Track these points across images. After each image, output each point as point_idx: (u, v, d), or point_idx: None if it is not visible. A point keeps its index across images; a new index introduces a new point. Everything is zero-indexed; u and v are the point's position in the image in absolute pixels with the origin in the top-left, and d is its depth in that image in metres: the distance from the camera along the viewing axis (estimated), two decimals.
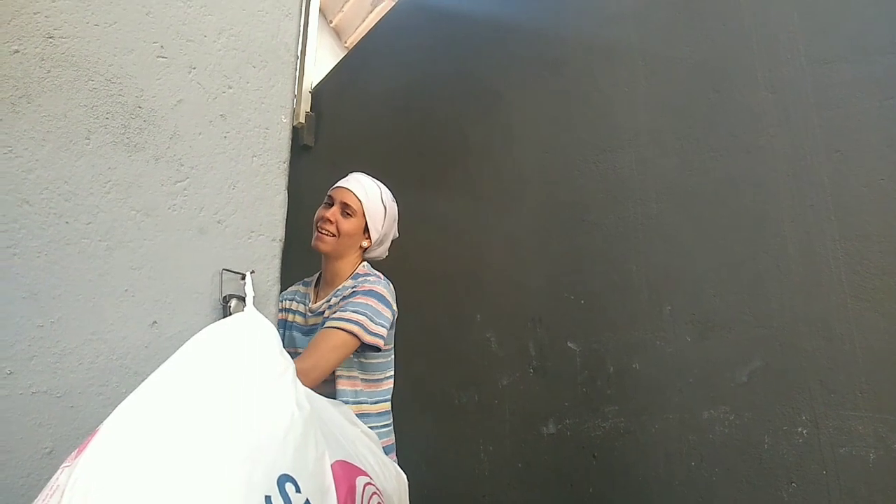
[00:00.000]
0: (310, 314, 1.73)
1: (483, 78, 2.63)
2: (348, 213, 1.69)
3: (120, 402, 0.86)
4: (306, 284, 1.85)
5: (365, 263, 1.79)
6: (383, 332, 1.57)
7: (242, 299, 1.12)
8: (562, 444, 2.14)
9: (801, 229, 1.91)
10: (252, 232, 1.21)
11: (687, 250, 2.08)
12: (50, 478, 0.87)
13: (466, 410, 2.35)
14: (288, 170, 1.29)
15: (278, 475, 0.78)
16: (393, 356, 1.74)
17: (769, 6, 2.08)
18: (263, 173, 1.25)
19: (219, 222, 1.18)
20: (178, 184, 1.16)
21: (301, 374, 1.40)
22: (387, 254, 1.87)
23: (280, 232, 1.25)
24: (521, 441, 2.17)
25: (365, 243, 1.75)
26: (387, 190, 1.80)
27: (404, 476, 1.01)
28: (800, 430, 1.84)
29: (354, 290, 1.63)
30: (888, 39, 1.89)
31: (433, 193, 2.58)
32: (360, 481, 0.90)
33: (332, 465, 0.87)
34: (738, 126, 2.07)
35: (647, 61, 2.26)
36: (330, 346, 1.48)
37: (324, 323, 1.58)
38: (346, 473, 0.88)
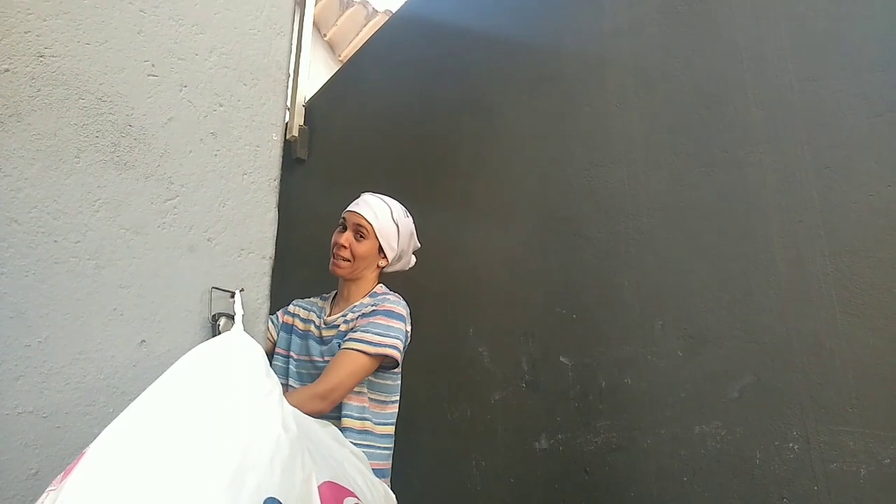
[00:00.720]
0: (324, 326, 1.75)
1: (476, 92, 2.64)
2: (361, 236, 1.72)
3: (107, 422, 0.85)
4: (324, 299, 1.88)
5: (381, 285, 1.82)
6: (400, 345, 1.62)
7: (231, 317, 1.12)
8: (554, 459, 2.13)
9: (790, 245, 1.92)
10: (242, 250, 1.21)
11: (678, 265, 2.09)
12: (35, 501, 0.86)
13: (459, 425, 2.34)
14: (278, 187, 1.29)
15: (264, 498, 0.77)
16: (400, 381, 1.74)
17: (760, 23, 2.10)
18: (254, 191, 1.25)
19: (209, 240, 1.18)
20: (168, 202, 1.16)
21: (320, 397, 1.44)
22: (412, 264, 1.92)
23: (270, 250, 1.25)
24: (513, 456, 2.16)
25: (382, 262, 1.78)
26: (398, 206, 1.82)
27: (393, 496, 1.01)
28: (791, 445, 1.84)
29: (375, 309, 1.65)
30: (878, 56, 1.91)
31: (425, 207, 2.58)
32: (349, 502, 0.90)
33: (319, 487, 0.86)
34: (729, 142, 2.08)
35: (639, 77, 2.27)
36: (350, 371, 1.52)
37: (340, 336, 1.63)
38: (333, 494, 0.88)
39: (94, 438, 0.84)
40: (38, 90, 1.08)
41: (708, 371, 1.97)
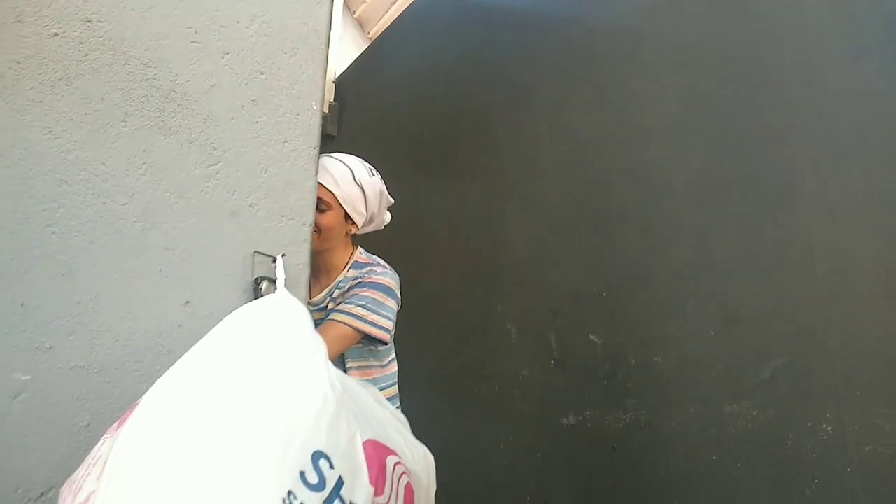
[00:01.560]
0: (313, 309, 1.68)
1: (509, 69, 2.62)
2: (322, 209, 1.61)
3: (154, 379, 0.87)
4: None
5: (360, 250, 1.77)
6: (389, 325, 1.58)
7: (273, 282, 1.14)
8: (581, 435, 2.14)
9: (829, 226, 1.89)
10: (283, 216, 1.23)
11: (713, 244, 2.07)
12: (90, 449, 0.89)
13: (486, 402, 2.35)
14: (317, 156, 1.30)
15: (312, 452, 0.79)
16: (393, 348, 1.75)
17: None
18: (294, 158, 1.26)
19: (250, 206, 1.19)
20: (211, 167, 1.18)
21: None
22: (387, 222, 1.84)
23: (310, 217, 1.26)
24: (540, 432, 2.17)
25: (352, 229, 1.71)
26: (360, 165, 1.71)
27: (432, 457, 1.02)
28: (824, 426, 1.82)
29: (360, 281, 1.62)
30: None
31: (456, 185, 2.58)
32: (391, 461, 0.91)
33: (363, 445, 0.88)
34: (766, 120, 2.04)
35: (674, 54, 2.24)
36: (333, 338, 1.48)
37: (328, 316, 1.57)
38: (376, 453, 0.90)
39: (143, 394, 0.86)
40: (86, 55, 1.10)
41: (740, 350, 1.95)
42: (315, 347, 0.92)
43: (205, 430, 0.76)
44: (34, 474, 0.96)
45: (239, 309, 0.96)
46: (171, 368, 0.85)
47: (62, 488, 0.82)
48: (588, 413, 2.15)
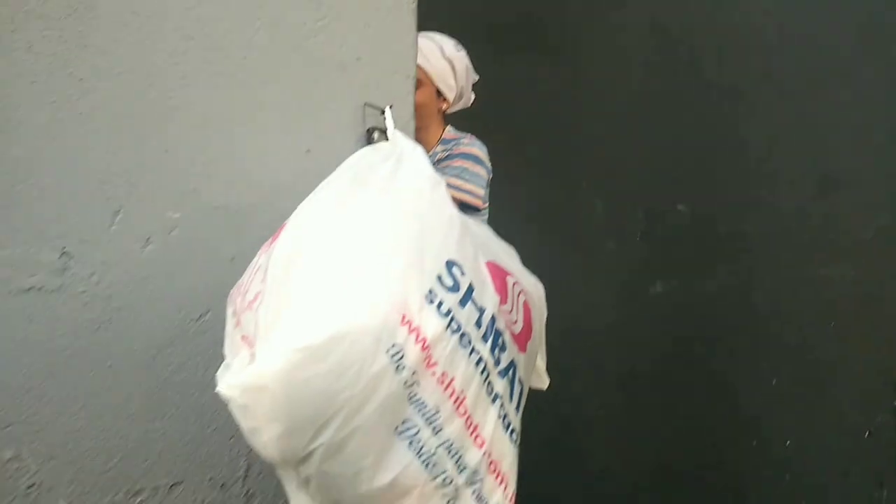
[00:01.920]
0: None
1: None
2: (417, 85, 1.67)
3: (286, 218, 0.95)
4: None
5: (449, 127, 1.80)
6: (481, 192, 1.62)
7: (384, 132, 1.19)
8: (669, 303, 2.17)
9: None
10: (388, 70, 1.26)
11: (811, 107, 1.98)
12: (236, 280, 0.99)
13: (571, 275, 2.40)
14: (416, 10, 1.31)
15: (445, 260, 0.86)
16: (487, 215, 1.79)
17: None
18: (395, 12, 1.28)
19: (357, 59, 1.23)
20: (319, 22, 1.21)
21: None
22: (473, 99, 1.85)
23: (413, 70, 1.29)
24: (626, 300, 2.22)
25: (443, 105, 1.75)
26: (448, 41, 1.74)
27: (541, 286, 1.08)
28: None
29: (449, 153, 1.65)
30: None
31: (533, 58, 2.52)
32: (510, 280, 0.98)
33: (485, 264, 0.95)
34: None
35: None
36: None
37: None
38: (497, 273, 0.96)
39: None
40: None
41: (839, 212, 1.90)
42: (437, 179, 0.97)
43: (352, 236, 0.83)
44: (192, 299, 1.08)
45: (362, 149, 1.02)
46: (311, 195, 0.93)
47: (231, 292, 0.93)
48: (675, 282, 2.17)
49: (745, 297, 2.06)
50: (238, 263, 1.08)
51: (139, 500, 1.02)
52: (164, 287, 1.07)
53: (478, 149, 1.69)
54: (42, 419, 0.96)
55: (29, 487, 0.95)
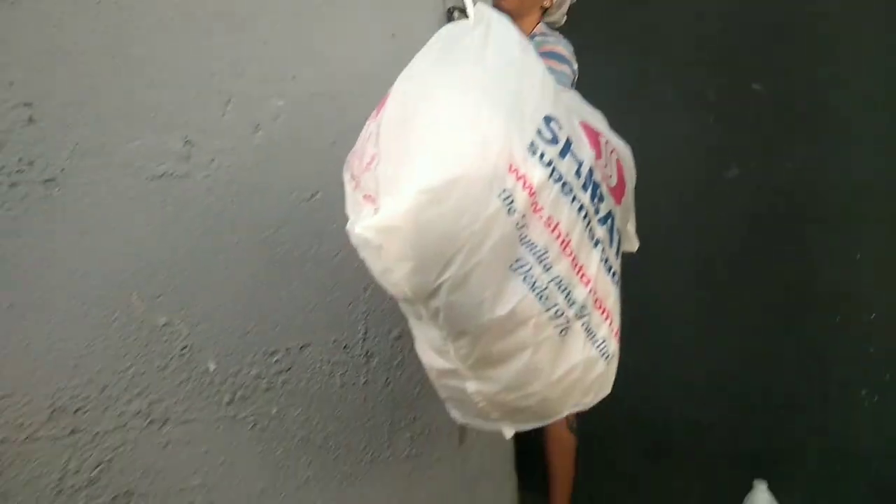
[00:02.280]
0: None
1: None
2: None
3: (378, 103, 1.00)
4: None
5: (543, 24, 1.78)
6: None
7: (464, 10, 1.21)
8: (744, 187, 2.15)
9: None
10: None
11: None
12: (341, 162, 1.06)
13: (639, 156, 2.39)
14: None
15: (543, 115, 0.91)
16: None
17: None
18: None
19: None
20: None
21: None
22: (565, 19, 1.85)
23: None
24: (701, 185, 2.20)
25: (546, 2, 1.74)
26: None
27: (629, 148, 1.11)
28: None
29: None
30: None
31: None
32: (601, 139, 1.02)
33: (579, 123, 0.98)
34: None
35: None
36: None
37: None
38: (590, 133, 1.00)
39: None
40: None
41: None
42: (525, 43, 1.00)
43: (452, 98, 0.88)
44: (301, 181, 1.17)
45: (451, 23, 1.06)
46: (406, 68, 0.98)
47: (348, 157, 1.00)
48: (752, 164, 2.13)
49: (822, 177, 2.02)
50: (339, 148, 1.15)
51: (275, 359, 1.14)
52: (276, 170, 1.16)
53: (563, 47, 1.69)
54: (188, 290, 1.08)
55: (183, 349, 1.08)
